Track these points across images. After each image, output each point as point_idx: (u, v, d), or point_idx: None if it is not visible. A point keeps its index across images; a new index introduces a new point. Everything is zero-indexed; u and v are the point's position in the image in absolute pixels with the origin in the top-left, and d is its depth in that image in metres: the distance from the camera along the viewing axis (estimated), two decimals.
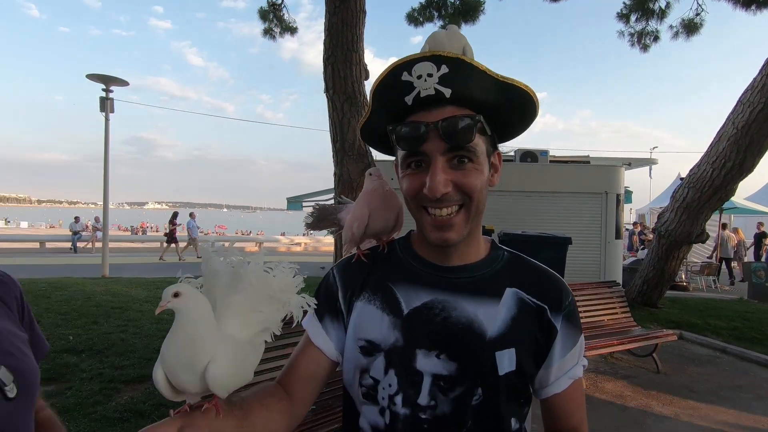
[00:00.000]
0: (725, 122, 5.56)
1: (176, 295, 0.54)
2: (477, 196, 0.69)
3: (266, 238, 24.84)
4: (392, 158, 0.78)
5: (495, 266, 0.77)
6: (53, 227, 36.60)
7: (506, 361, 0.70)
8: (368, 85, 5.88)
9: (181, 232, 15.40)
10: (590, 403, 3.71)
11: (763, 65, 5.00)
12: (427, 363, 0.70)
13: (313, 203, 14.06)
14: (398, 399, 0.70)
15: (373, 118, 0.76)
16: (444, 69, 0.65)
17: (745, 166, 5.45)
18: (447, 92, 0.66)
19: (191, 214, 15.14)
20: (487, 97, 0.68)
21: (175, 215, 14.49)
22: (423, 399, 0.70)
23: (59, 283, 7.04)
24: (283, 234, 27.41)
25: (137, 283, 7.56)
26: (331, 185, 6.21)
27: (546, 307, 0.74)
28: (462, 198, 0.69)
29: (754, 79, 5.11)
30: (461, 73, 0.66)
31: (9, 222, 40.89)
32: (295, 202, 12.24)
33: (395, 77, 0.67)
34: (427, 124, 0.66)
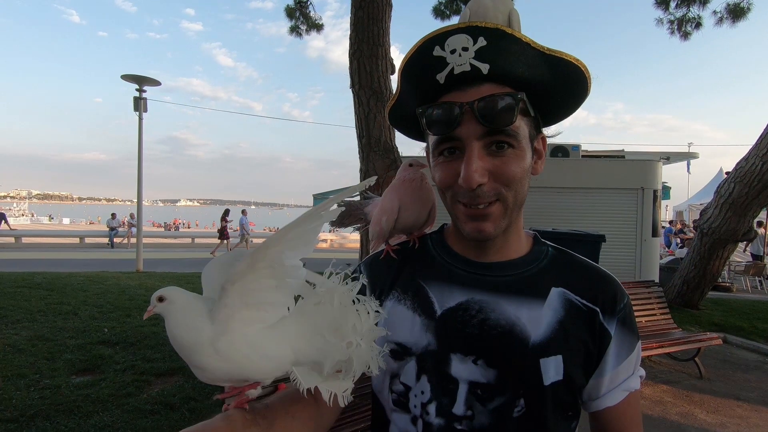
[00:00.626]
0: None
1: (161, 299, 0.51)
2: (516, 186, 0.62)
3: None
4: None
5: (539, 263, 0.69)
6: (92, 223, 38.32)
7: (552, 369, 0.62)
8: (394, 81, 5.80)
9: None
10: None
11: None
12: (464, 369, 0.63)
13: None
14: (431, 408, 0.64)
15: (402, 99, 0.69)
16: (481, 42, 0.58)
17: None
18: (485, 68, 0.58)
19: (243, 212, 15.57)
20: (532, 73, 0.60)
21: (226, 212, 14.79)
22: (459, 409, 0.63)
23: (96, 277, 7.31)
24: None
25: (169, 278, 7.78)
26: (357, 182, 6.19)
27: (598, 310, 0.66)
28: (500, 189, 0.61)
29: None
30: (501, 45, 0.58)
31: (53, 218, 43.11)
32: (321, 199, 12.34)
33: (426, 52, 0.60)
34: (461, 104, 0.59)
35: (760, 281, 10.13)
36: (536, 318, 0.64)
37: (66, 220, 41.51)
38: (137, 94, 8.97)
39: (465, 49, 0.58)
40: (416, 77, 0.64)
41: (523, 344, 0.63)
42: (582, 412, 0.69)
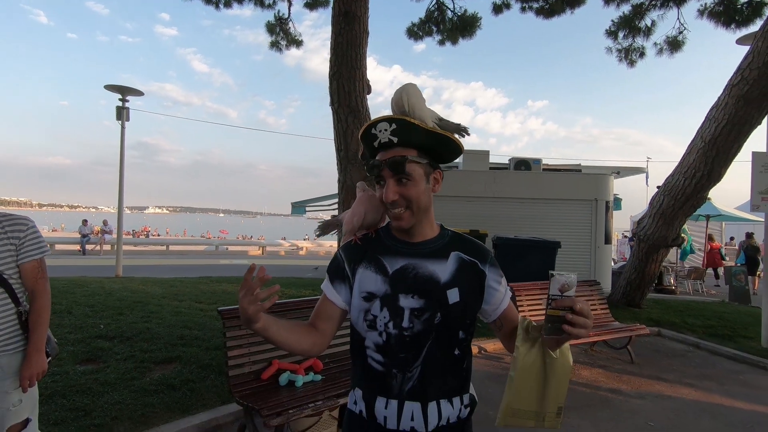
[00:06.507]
0: (695, 136, 6.04)
1: None
2: (415, 200, 1.11)
3: (268, 242, 25.34)
4: None
5: (444, 240, 1.22)
6: (56, 230, 36.95)
7: (453, 295, 1.15)
8: (370, 99, 6.40)
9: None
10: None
11: (726, 86, 5.48)
12: (406, 302, 1.14)
13: (315, 207, 14.82)
14: (390, 325, 1.15)
15: (364, 152, 1.25)
16: (394, 126, 1.11)
17: (712, 176, 5.93)
18: (395, 140, 1.12)
19: None
20: (422, 141, 1.13)
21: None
22: (405, 323, 1.14)
23: (79, 281, 7.48)
24: (283, 238, 27.88)
25: (151, 282, 8.00)
26: (333, 191, 6.69)
27: (477, 261, 1.19)
28: (407, 202, 1.13)
29: (719, 97, 5.59)
30: (405, 128, 1.11)
31: None
32: (299, 207, 12.74)
33: (369, 130, 1.15)
34: (381, 161, 1.13)
35: (700, 284, 11.19)
36: (443, 269, 1.16)
37: None
38: (110, 100, 9.19)
39: (386, 129, 1.11)
40: (366, 142, 1.18)
41: (437, 284, 1.15)
42: (476, 323, 1.24)
